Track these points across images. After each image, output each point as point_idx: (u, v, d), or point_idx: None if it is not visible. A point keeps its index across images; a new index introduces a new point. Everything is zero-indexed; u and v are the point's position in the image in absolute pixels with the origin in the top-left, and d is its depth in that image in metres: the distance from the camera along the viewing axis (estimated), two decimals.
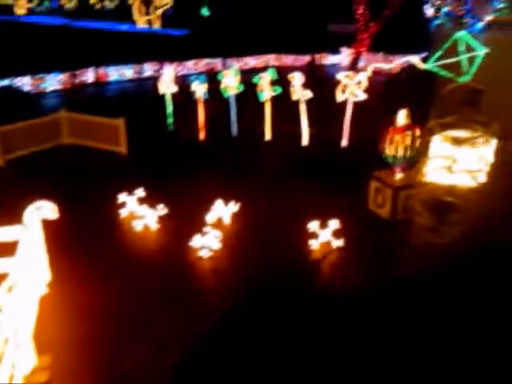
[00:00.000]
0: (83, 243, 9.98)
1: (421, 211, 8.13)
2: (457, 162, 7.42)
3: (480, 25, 13.92)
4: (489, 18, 13.52)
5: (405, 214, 9.94)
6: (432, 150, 7.87)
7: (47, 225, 8.36)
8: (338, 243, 9.66)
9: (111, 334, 7.40)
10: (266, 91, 14.94)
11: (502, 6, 13.21)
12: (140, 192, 11.20)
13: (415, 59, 11.75)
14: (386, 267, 8.91)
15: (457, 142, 7.43)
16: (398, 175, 10.48)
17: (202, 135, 15.87)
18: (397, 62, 12.47)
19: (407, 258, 8.76)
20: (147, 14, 40.57)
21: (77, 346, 7.17)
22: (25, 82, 21.98)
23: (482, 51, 11.92)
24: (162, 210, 10.79)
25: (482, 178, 7.61)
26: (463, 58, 12.01)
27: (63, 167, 13.94)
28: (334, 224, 9.70)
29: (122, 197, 11.16)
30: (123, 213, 11.11)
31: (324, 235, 9.72)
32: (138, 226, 10.63)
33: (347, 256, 9.42)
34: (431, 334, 7.35)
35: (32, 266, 7.68)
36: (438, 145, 7.67)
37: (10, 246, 7.37)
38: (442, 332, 7.39)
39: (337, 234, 9.69)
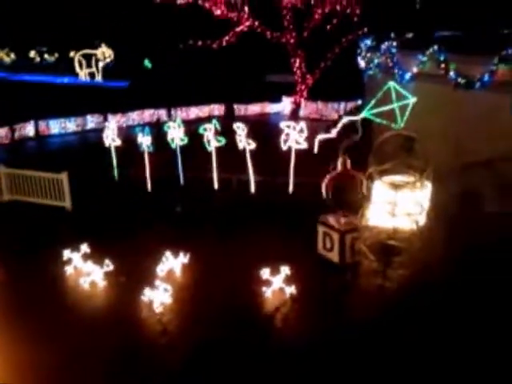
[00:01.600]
0: (27, 303, 9.52)
1: (367, 254, 8.43)
2: (397, 205, 7.83)
3: (408, 75, 15.00)
4: (415, 69, 14.63)
5: (353, 257, 10.23)
6: (373, 195, 8.29)
7: None
8: (291, 290, 9.74)
9: None
10: (212, 141, 15.22)
11: (425, 59, 14.36)
12: (85, 248, 10.92)
13: (353, 118, 12.47)
14: (337, 313, 9.05)
15: (395, 187, 7.87)
16: (343, 219, 10.84)
17: (148, 186, 15.80)
18: (339, 126, 13.20)
19: (357, 303, 8.97)
20: (89, 66, 40.62)
21: None
22: None
23: (410, 100, 12.77)
24: (108, 265, 10.52)
25: (421, 221, 8.06)
26: (395, 106, 12.81)
27: (4, 225, 13.36)
28: (286, 270, 9.80)
29: (67, 253, 10.84)
30: (69, 270, 10.74)
31: (276, 282, 9.78)
32: (84, 283, 10.29)
33: (299, 303, 9.49)
34: (383, 377, 7.47)
35: None
36: (379, 190, 8.09)
37: None
38: (393, 374, 7.53)
39: (289, 280, 9.78)
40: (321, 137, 14.05)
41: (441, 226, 9.44)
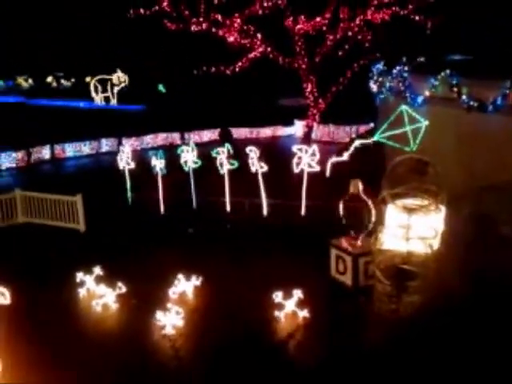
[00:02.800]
0: (39, 325, 9.54)
1: (380, 278, 8.35)
2: (411, 229, 7.78)
3: (420, 99, 15.06)
4: (427, 93, 14.70)
5: (366, 280, 10.13)
6: (387, 219, 8.25)
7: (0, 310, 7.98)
8: (303, 313, 9.64)
9: None
10: (224, 164, 15.33)
11: (437, 82, 14.43)
12: (98, 270, 10.97)
13: (365, 141, 12.56)
14: (350, 337, 8.92)
15: (409, 210, 7.84)
16: (357, 242, 10.79)
17: (161, 209, 15.90)
18: (351, 149, 13.29)
19: (370, 327, 8.84)
20: (104, 91, 41.45)
21: None
22: None
23: (423, 123, 12.81)
24: (121, 288, 10.54)
25: (436, 245, 7.98)
26: (407, 129, 12.86)
27: (18, 247, 13.50)
28: (298, 293, 9.73)
29: (80, 276, 10.89)
30: (81, 292, 10.77)
31: (289, 305, 9.70)
32: (97, 305, 10.30)
33: (312, 327, 9.38)
34: None
35: None
36: (392, 214, 8.06)
37: None
38: None
39: (301, 303, 9.69)
40: (333, 160, 14.10)
41: (455, 250, 9.34)
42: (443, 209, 8.22)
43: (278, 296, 9.72)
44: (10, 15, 48.19)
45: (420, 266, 7.91)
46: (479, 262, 10.27)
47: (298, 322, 9.56)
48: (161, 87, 45.09)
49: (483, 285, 9.69)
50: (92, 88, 41.68)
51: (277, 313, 9.61)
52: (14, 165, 22.68)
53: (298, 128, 28.73)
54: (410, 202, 8.19)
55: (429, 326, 8.23)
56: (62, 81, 52.96)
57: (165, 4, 22.69)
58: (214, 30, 23.53)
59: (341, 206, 10.80)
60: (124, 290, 10.53)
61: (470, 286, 9.48)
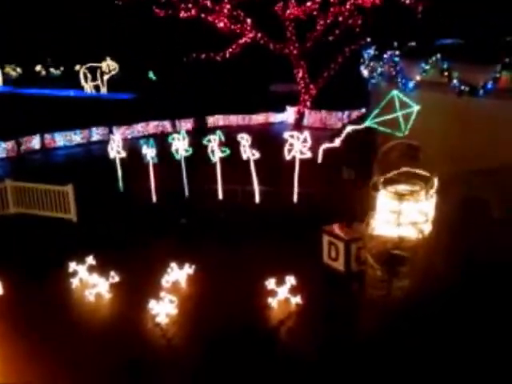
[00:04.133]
0: (32, 316, 9.53)
1: (372, 264, 8.40)
2: (402, 215, 7.82)
3: (411, 84, 15.03)
4: (418, 78, 14.67)
5: (358, 266, 10.19)
6: (378, 205, 8.28)
7: None
8: (296, 300, 9.70)
9: None
10: (216, 152, 15.26)
11: (428, 67, 14.40)
12: (90, 260, 10.95)
13: (357, 127, 12.52)
14: (343, 322, 9.01)
15: (400, 196, 7.86)
16: (348, 228, 10.84)
17: (153, 198, 15.83)
18: (343, 135, 13.26)
19: (363, 312, 8.92)
20: (94, 79, 40.98)
21: None
22: None
23: (414, 108, 12.78)
24: (113, 277, 10.54)
25: (427, 231, 8.03)
26: (398, 114, 12.82)
27: (9, 238, 13.43)
28: (291, 280, 9.77)
29: (72, 265, 10.87)
30: (74, 282, 10.76)
31: (282, 292, 9.75)
32: (90, 295, 10.30)
33: (305, 314, 9.44)
34: None
35: None
36: (383, 199, 8.08)
37: None
38: None
39: (294, 290, 9.75)
40: (325, 146, 14.06)
41: (446, 235, 9.40)
42: (434, 194, 8.25)
43: (270, 283, 9.77)
44: None
45: (411, 250, 7.96)
46: (469, 246, 10.38)
47: (290, 308, 9.63)
48: (151, 75, 44.63)
49: (473, 268, 9.80)
50: (82, 76, 41.18)
51: (270, 300, 9.66)
52: (3, 155, 22.45)
53: (289, 114, 28.60)
54: (402, 187, 8.21)
55: (420, 311, 8.31)
56: (51, 69, 52.25)
57: None
58: (203, 15, 23.29)
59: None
60: (117, 279, 10.53)
61: (460, 270, 9.58)
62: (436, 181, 8.01)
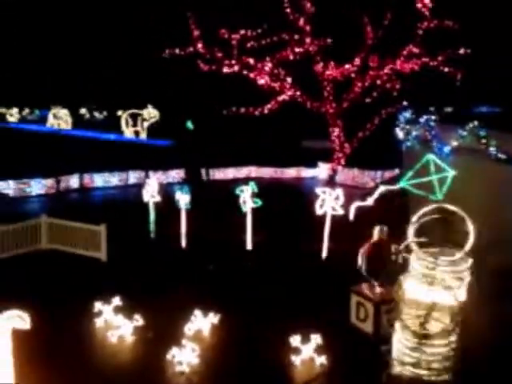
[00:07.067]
0: (54, 354, 9.54)
1: (402, 329, 8.11)
2: (435, 279, 7.64)
3: (447, 149, 15.05)
4: (454, 143, 14.69)
5: (388, 329, 9.85)
6: (411, 267, 8.13)
7: (18, 334, 8.02)
8: (321, 360, 9.40)
9: None
10: (248, 203, 15.43)
11: (465, 133, 14.44)
12: (117, 301, 10.98)
13: (390, 187, 12.55)
14: None
15: (435, 259, 7.72)
16: (378, 290, 10.60)
17: (183, 243, 15.97)
18: (375, 194, 13.32)
19: (390, 381, 8.54)
20: (134, 125, 42.55)
21: None
22: (9, 186, 22.26)
23: (450, 173, 12.75)
24: (138, 320, 10.51)
25: (462, 296, 7.80)
26: (433, 178, 12.80)
27: (40, 273, 13.66)
28: (317, 339, 9.52)
29: (98, 305, 10.92)
30: (98, 322, 10.77)
31: (306, 351, 9.48)
32: (112, 336, 10.26)
33: (330, 375, 9.12)
34: None
35: None
36: (416, 262, 7.95)
37: None
38: None
39: (319, 349, 9.47)
40: (357, 204, 14.05)
41: (481, 301, 9.07)
42: (469, 260, 8.06)
43: (295, 340, 9.53)
44: (51, 45, 50.48)
45: (445, 317, 7.69)
46: (505, 314, 9.98)
47: (315, 368, 9.32)
48: (189, 124, 46.08)
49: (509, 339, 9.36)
50: (123, 121, 42.85)
51: (293, 357, 9.40)
52: (43, 191, 23.24)
53: (321, 170, 28.82)
54: (436, 251, 8.07)
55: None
56: (95, 113, 54.65)
57: (199, 46, 23.56)
58: (245, 72, 24.22)
59: (361, 253, 10.75)
60: (141, 322, 10.49)
61: (495, 340, 9.17)
62: (471, 246, 7.84)
